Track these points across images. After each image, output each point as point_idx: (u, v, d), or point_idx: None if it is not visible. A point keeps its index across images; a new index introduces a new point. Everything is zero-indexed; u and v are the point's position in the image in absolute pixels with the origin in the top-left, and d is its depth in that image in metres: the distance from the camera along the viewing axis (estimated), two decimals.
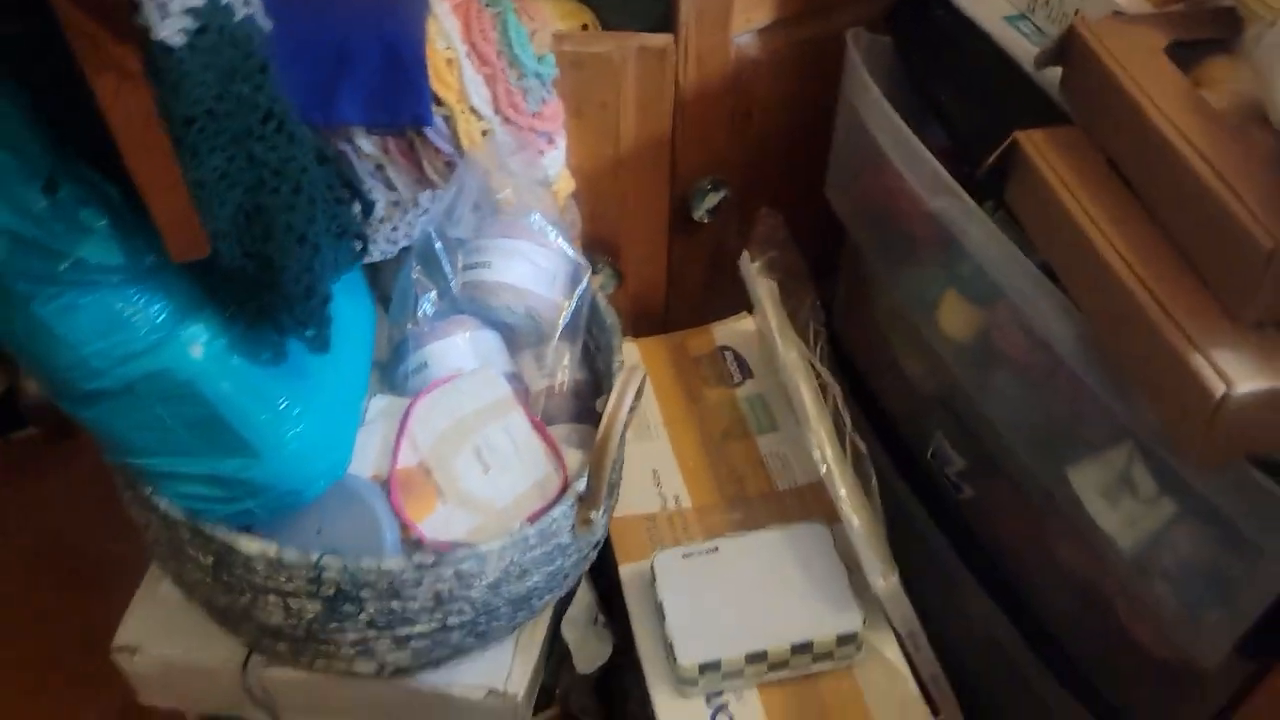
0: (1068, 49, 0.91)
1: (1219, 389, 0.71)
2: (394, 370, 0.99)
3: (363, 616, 0.85)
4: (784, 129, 1.23)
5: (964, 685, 1.02)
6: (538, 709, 1.09)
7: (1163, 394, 0.77)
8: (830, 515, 1.03)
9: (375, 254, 0.97)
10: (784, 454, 1.14)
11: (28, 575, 1.48)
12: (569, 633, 1.07)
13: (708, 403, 1.19)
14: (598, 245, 1.21)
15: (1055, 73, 0.97)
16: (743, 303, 1.27)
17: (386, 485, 0.91)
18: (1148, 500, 0.92)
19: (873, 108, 1.08)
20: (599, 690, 1.20)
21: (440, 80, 0.97)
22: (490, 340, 1.00)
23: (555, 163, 1.04)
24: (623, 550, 1.06)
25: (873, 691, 0.97)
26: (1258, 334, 0.74)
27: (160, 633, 1.02)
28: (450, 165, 1.02)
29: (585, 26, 1.09)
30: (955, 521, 1.23)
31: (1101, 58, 0.86)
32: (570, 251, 0.99)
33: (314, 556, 0.81)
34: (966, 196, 0.97)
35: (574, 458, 0.95)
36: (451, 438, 0.93)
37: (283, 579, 0.82)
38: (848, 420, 0.99)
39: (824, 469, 0.98)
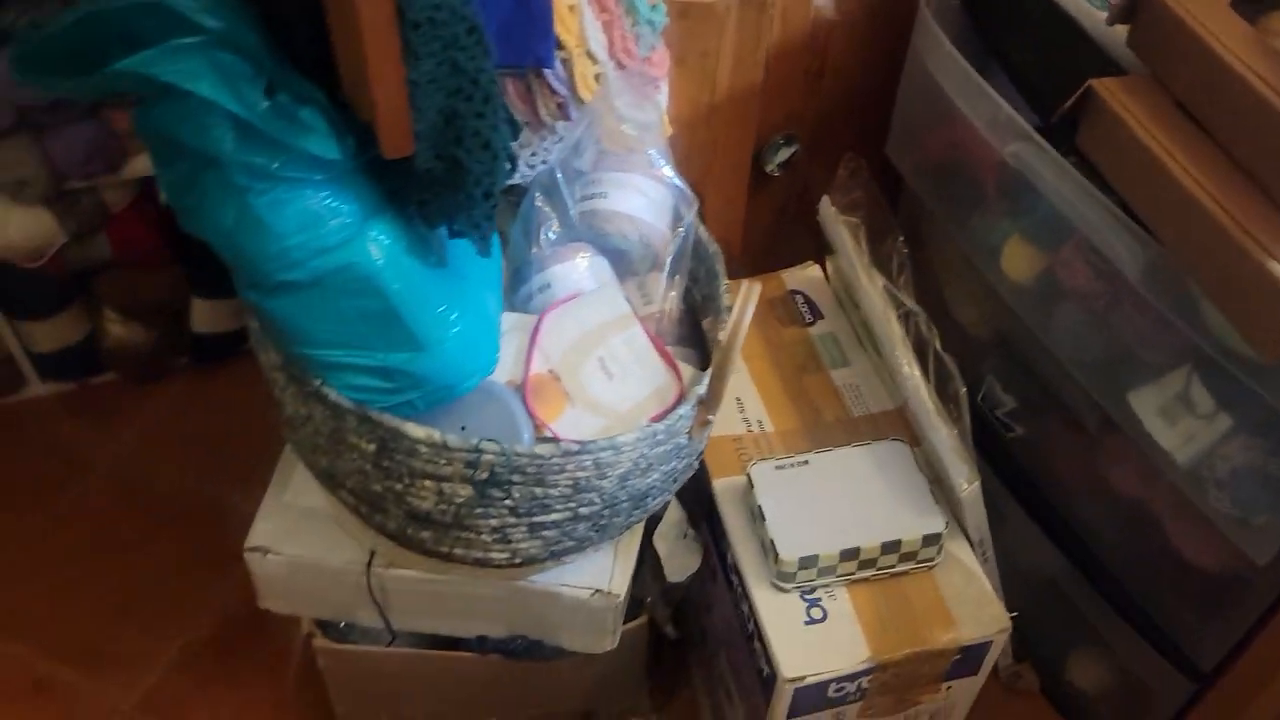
0: (1139, 4, 1.01)
1: None
2: (514, 292, 1.08)
3: (507, 502, 0.93)
4: (851, 89, 1.33)
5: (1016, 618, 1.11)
6: (626, 620, 1.17)
7: (1238, 300, 0.87)
8: (906, 437, 1.12)
9: (515, 176, 1.05)
10: (857, 385, 1.23)
11: (109, 513, 1.54)
12: (660, 545, 1.16)
13: (782, 340, 1.28)
14: None
15: (1116, 30, 1.08)
16: (808, 254, 1.37)
17: (520, 390, 1.00)
18: (1205, 416, 1.02)
19: (945, 61, 1.18)
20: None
21: (562, 24, 1.06)
22: (605, 266, 1.08)
23: (659, 107, 1.13)
24: (715, 466, 1.15)
25: (951, 590, 1.06)
26: None
27: (288, 536, 1.10)
28: (563, 108, 1.11)
29: None
30: (1006, 458, 1.33)
31: (1174, 9, 0.96)
32: (679, 183, 1.08)
33: (474, 441, 0.89)
34: (1043, 140, 1.06)
35: (686, 372, 1.04)
36: (578, 348, 1.02)
37: (442, 462, 0.90)
38: (937, 340, 1.09)
39: (910, 384, 1.07)
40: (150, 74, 0.73)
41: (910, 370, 1.08)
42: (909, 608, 1.05)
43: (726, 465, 1.15)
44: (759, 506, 1.06)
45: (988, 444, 1.30)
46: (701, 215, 1.28)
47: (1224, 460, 1.01)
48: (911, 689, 1.06)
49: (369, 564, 1.08)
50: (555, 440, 0.95)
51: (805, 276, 1.34)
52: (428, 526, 0.96)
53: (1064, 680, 1.35)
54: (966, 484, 1.04)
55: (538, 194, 1.07)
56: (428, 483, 0.92)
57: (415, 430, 0.89)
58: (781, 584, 1.05)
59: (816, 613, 1.04)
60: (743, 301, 0.94)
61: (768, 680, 1.03)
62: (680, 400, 0.99)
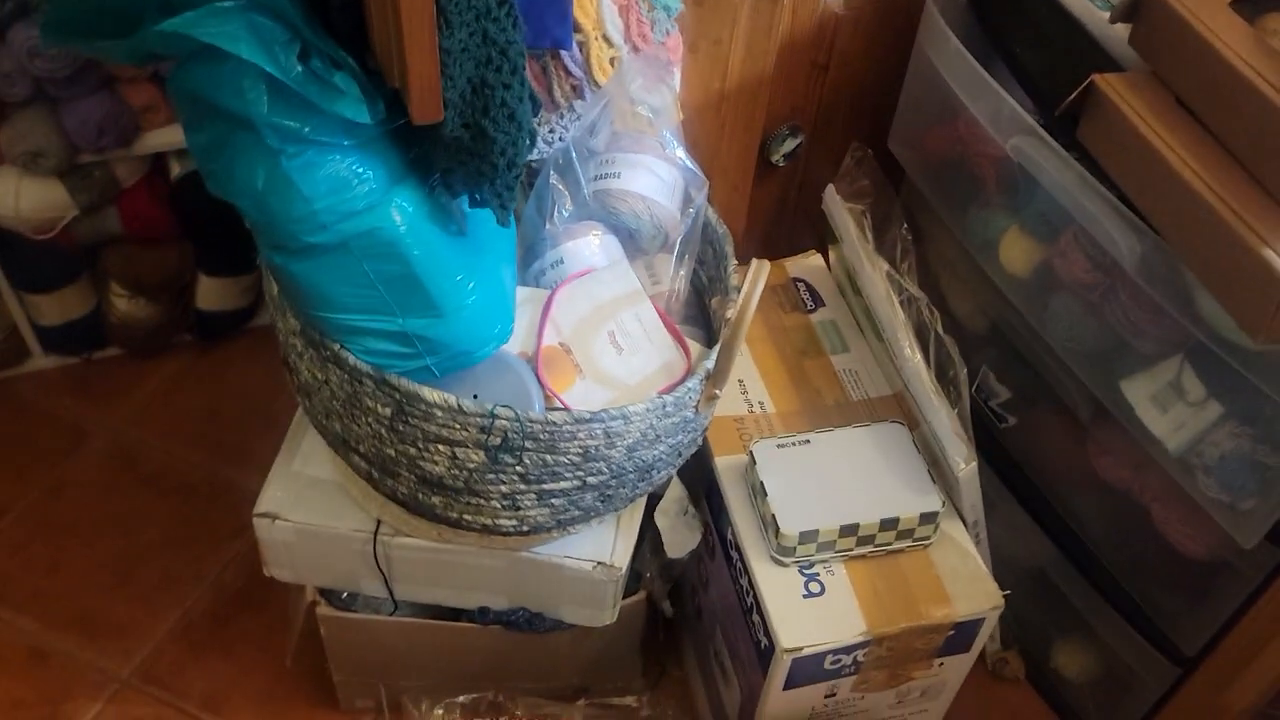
0: (1141, 4, 1.04)
1: None
2: (528, 268, 1.10)
3: (518, 469, 0.95)
4: (856, 83, 1.36)
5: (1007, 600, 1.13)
6: (624, 596, 1.19)
7: (1234, 287, 0.90)
8: (905, 421, 1.15)
9: (533, 152, 1.08)
10: (856, 370, 1.26)
11: (109, 485, 1.56)
12: (662, 520, 1.18)
13: (784, 325, 1.31)
14: None
15: (1117, 29, 1.11)
16: (807, 246, 1.40)
17: (532, 361, 1.02)
18: (1196, 403, 1.05)
19: (951, 56, 1.21)
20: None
21: (580, 8, 1.08)
22: (616, 244, 1.11)
23: (672, 91, 1.16)
24: (717, 445, 1.17)
25: (946, 568, 1.09)
26: None
27: (297, 503, 1.11)
28: (577, 90, 1.13)
29: None
30: (998, 449, 1.35)
31: (1176, 9, 1.00)
32: (690, 165, 1.11)
33: (489, 406, 0.91)
34: (1045, 133, 1.09)
35: (693, 348, 1.06)
36: (589, 322, 1.04)
37: (456, 427, 0.92)
38: (938, 323, 1.11)
39: (910, 366, 1.10)
40: (191, 34, 0.75)
41: (911, 353, 1.11)
42: (905, 584, 1.07)
43: (728, 444, 1.17)
44: (761, 482, 1.09)
45: (981, 435, 1.32)
46: (709, 198, 1.31)
47: (1213, 446, 1.04)
48: (905, 664, 1.09)
49: (375, 532, 1.10)
50: (567, 409, 0.97)
51: (807, 265, 1.37)
52: (439, 491, 0.99)
53: (1049, 668, 1.38)
54: (964, 464, 1.07)
55: (552, 172, 1.10)
56: (441, 447, 0.94)
57: (431, 395, 0.91)
58: (781, 558, 1.07)
59: (815, 587, 1.07)
60: (753, 277, 0.97)
61: (765, 652, 1.05)
62: (688, 375, 1.02)
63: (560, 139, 1.08)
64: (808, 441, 1.13)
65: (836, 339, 1.29)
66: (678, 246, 1.10)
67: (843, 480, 1.10)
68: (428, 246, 0.89)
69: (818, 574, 1.08)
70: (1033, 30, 1.18)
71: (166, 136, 1.46)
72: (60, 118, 1.39)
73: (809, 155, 1.40)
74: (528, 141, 0.87)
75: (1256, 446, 1.01)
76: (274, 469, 1.14)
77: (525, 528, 1.02)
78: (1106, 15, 1.11)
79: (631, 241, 1.12)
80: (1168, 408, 1.08)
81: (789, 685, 1.06)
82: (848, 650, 1.04)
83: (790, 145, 1.36)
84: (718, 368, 1.00)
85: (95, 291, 1.62)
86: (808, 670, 1.05)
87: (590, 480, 0.99)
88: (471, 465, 0.95)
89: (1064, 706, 1.38)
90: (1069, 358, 1.17)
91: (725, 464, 1.16)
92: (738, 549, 1.11)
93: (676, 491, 1.19)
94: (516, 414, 0.91)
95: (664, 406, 0.97)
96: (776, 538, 1.06)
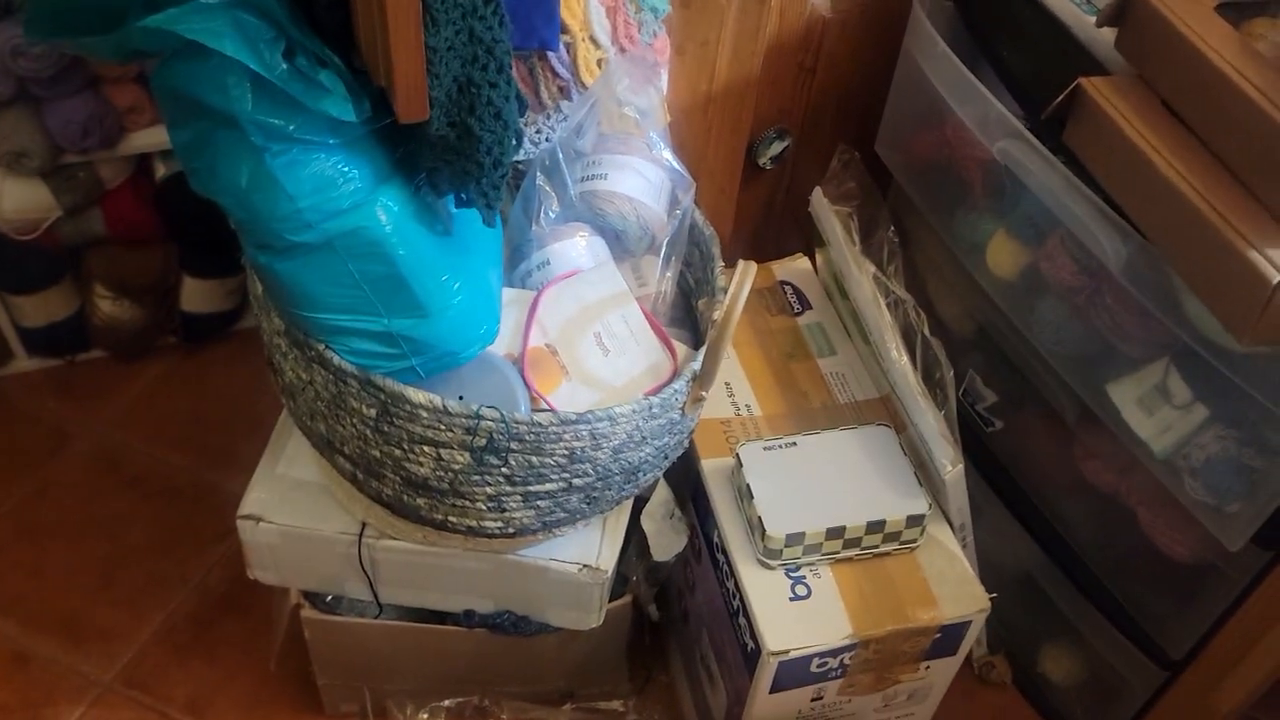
0: (1128, 8, 1.05)
1: (1274, 277, 0.84)
2: (514, 269, 1.10)
3: (504, 470, 0.95)
4: (843, 86, 1.36)
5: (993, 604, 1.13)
6: (610, 599, 1.19)
7: (1220, 289, 0.90)
8: (891, 422, 1.15)
9: (520, 152, 1.07)
10: (843, 373, 1.26)
11: (92, 489, 1.55)
12: (648, 524, 1.18)
13: (771, 328, 1.30)
14: None
15: (1103, 32, 1.11)
16: (793, 249, 1.40)
17: (518, 363, 1.01)
18: (1182, 406, 1.05)
19: (938, 60, 1.21)
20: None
21: (568, 9, 1.08)
22: (602, 246, 1.11)
23: (659, 92, 1.16)
24: (704, 447, 1.17)
25: (932, 571, 1.09)
26: None
27: (281, 505, 1.11)
28: (564, 91, 1.13)
29: None
30: (984, 452, 1.36)
31: (1162, 13, 1.00)
32: (677, 167, 1.11)
33: (474, 407, 0.91)
34: (1032, 137, 1.09)
35: (680, 350, 1.06)
36: (575, 323, 1.04)
37: (441, 428, 0.92)
38: (925, 326, 1.11)
39: (897, 368, 1.10)
40: (175, 31, 0.74)
41: (898, 355, 1.11)
42: (891, 587, 1.07)
43: (715, 447, 1.17)
44: (747, 485, 1.08)
45: (968, 438, 1.33)
46: (696, 200, 1.31)
47: (1199, 449, 1.04)
48: (891, 667, 1.09)
49: (360, 534, 1.09)
50: (553, 411, 0.97)
51: (794, 268, 1.37)
52: (424, 493, 0.98)
53: (1036, 672, 1.38)
54: (950, 466, 1.07)
55: (538, 173, 1.09)
56: (426, 449, 0.94)
57: (416, 395, 0.91)
58: (767, 561, 1.07)
59: (801, 590, 1.07)
60: (740, 278, 0.96)
61: (751, 655, 1.05)
62: (674, 377, 1.01)
63: (547, 140, 1.08)
64: (794, 444, 1.13)
65: (823, 342, 1.29)
66: (664, 248, 1.10)
67: (829, 483, 1.10)
68: (413, 246, 0.89)
69: (804, 577, 1.07)
70: (1019, 34, 1.19)
71: (151, 137, 1.46)
72: (44, 118, 1.38)
73: (796, 158, 1.40)
74: (514, 141, 0.87)
75: (1242, 449, 1.01)
76: (258, 471, 1.14)
77: (511, 530, 1.02)
78: (1092, 19, 1.11)
79: (618, 243, 1.12)
80: (1154, 411, 1.08)
81: (775, 688, 1.06)
82: (834, 653, 1.04)
83: (777, 148, 1.36)
84: (704, 369, 1.00)
85: (79, 293, 1.61)
86: (794, 673, 1.04)
87: (576, 482, 0.99)
88: (457, 467, 0.95)
89: (1051, 711, 1.38)
90: (1055, 361, 1.17)
91: (711, 466, 1.16)
92: (724, 552, 1.10)
93: (663, 494, 1.19)
94: (502, 415, 0.91)
95: (650, 408, 0.97)
96: (763, 540, 1.06)
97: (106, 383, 1.67)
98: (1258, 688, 1.10)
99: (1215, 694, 1.11)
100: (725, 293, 0.98)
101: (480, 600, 1.15)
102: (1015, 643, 1.41)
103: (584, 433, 0.94)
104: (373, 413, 0.93)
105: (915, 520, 1.07)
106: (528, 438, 0.93)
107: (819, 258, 1.33)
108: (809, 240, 1.34)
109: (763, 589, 1.06)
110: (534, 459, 0.95)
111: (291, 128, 0.80)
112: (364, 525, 1.10)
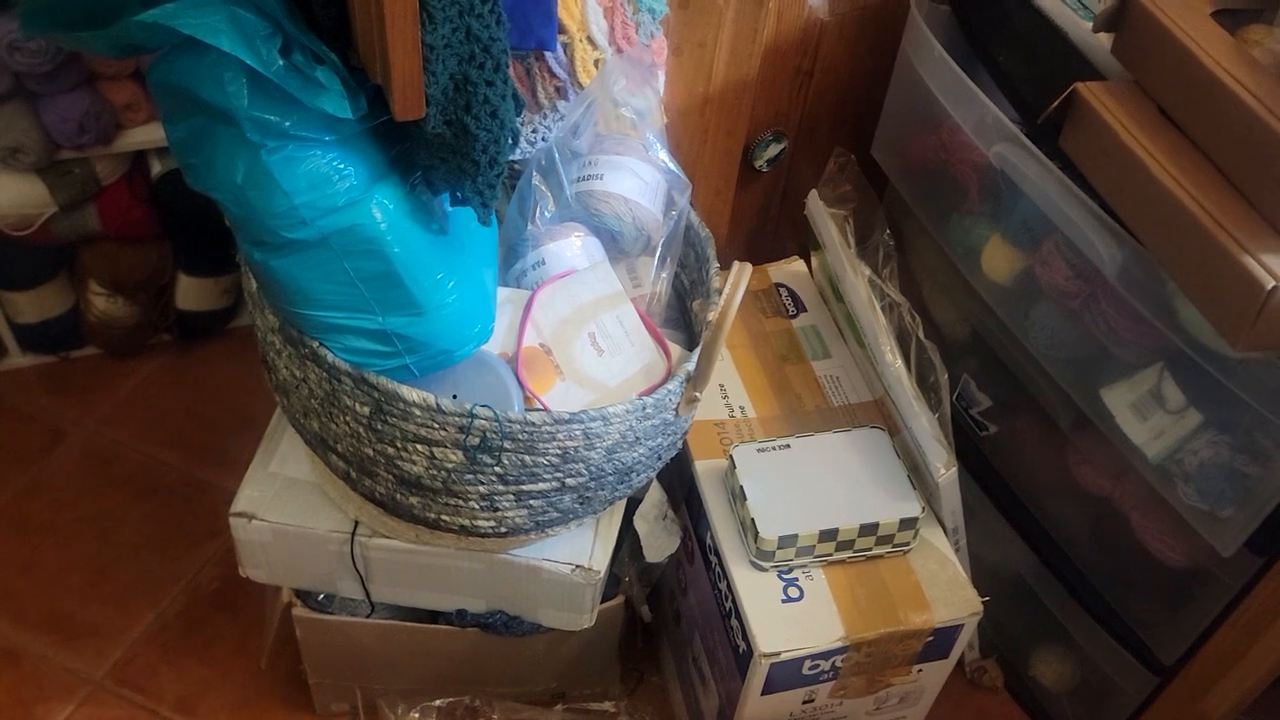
0: (1124, 13, 1.05)
1: (1269, 283, 0.84)
2: (509, 269, 1.10)
3: (497, 469, 0.95)
4: (840, 89, 1.36)
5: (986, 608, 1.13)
6: (603, 600, 1.19)
7: (1215, 294, 0.90)
8: (885, 425, 1.15)
9: (516, 151, 1.07)
10: (837, 376, 1.26)
11: (85, 483, 1.54)
12: (641, 525, 1.18)
13: (766, 330, 1.30)
14: None
15: (1100, 37, 1.11)
16: (789, 253, 1.40)
17: (512, 362, 1.01)
18: (1176, 411, 1.05)
19: (935, 64, 1.21)
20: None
21: (565, 9, 1.08)
22: (598, 246, 1.11)
23: (656, 93, 1.16)
24: (698, 449, 1.17)
25: (925, 574, 1.09)
26: None
27: (273, 503, 1.11)
28: (560, 91, 1.13)
29: None
30: (978, 456, 1.36)
31: (1159, 18, 1.00)
32: (674, 168, 1.11)
33: (468, 406, 0.91)
34: (1028, 141, 1.10)
35: (674, 350, 1.06)
36: (570, 323, 1.04)
37: (435, 427, 0.92)
38: (920, 327, 1.11)
39: (892, 371, 1.10)
40: (172, 26, 0.74)
41: (893, 358, 1.11)
42: (884, 589, 1.07)
43: (708, 448, 1.17)
44: (740, 487, 1.08)
45: (962, 442, 1.33)
46: (692, 202, 1.31)
47: (1193, 455, 1.04)
48: (884, 670, 1.09)
49: (353, 533, 1.09)
50: (546, 410, 0.97)
51: (789, 270, 1.37)
52: (417, 492, 0.98)
53: (1028, 676, 1.38)
54: (944, 469, 1.07)
55: (534, 173, 1.09)
56: (420, 447, 0.94)
57: (410, 394, 0.90)
58: (760, 563, 1.07)
59: (794, 592, 1.07)
60: (735, 279, 0.96)
61: (744, 657, 1.05)
62: (668, 377, 1.01)
63: (543, 139, 1.08)
64: (788, 446, 1.13)
65: (818, 345, 1.29)
66: (660, 249, 1.10)
67: (823, 485, 1.10)
68: (408, 244, 0.89)
69: (797, 579, 1.07)
70: (1016, 38, 1.19)
71: (147, 134, 1.45)
72: (40, 114, 1.38)
73: (792, 161, 1.40)
74: (510, 139, 0.87)
75: (1235, 455, 1.01)
76: (251, 469, 1.13)
77: (503, 529, 1.02)
78: (1089, 24, 1.11)
79: (613, 243, 1.12)
80: (1147, 416, 1.08)
81: (767, 690, 1.05)
82: (826, 655, 1.04)
83: (774, 150, 1.36)
84: (698, 370, 0.99)
85: (73, 290, 1.61)
86: (786, 675, 1.04)
87: (569, 482, 0.99)
88: (450, 465, 0.94)
89: (1042, 715, 1.38)
90: (1050, 366, 1.17)
91: (705, 468, 1.15)
92: (717, 553, 1.10)
93: (656, 495, 1.19)
94: (495, 414, 0.91)
95: (644, 408, 0.97)
96: (756, 542, 1.06)
97: (100, 380, 1.67)
98: (1249, 693, 1.10)
99: (1207, 699, 1.11)
100: (720, 294, 0.98)
101: (472, 600, 1.15)
102: (1007, 646, 1.41)
103: (577, 432, 0.94)
104: (366, 411, 0.93)
105: (908, 523, 1.07)
106: (521, 437, 0.93)
107: (814, 260, 1.33)
108: (804, 243, 1.34)
109: (755, 591, 1.06)
110: (527, 458, 0.95)
111: (288, 124, 0.80)
112: (356, 524, 1.09)
